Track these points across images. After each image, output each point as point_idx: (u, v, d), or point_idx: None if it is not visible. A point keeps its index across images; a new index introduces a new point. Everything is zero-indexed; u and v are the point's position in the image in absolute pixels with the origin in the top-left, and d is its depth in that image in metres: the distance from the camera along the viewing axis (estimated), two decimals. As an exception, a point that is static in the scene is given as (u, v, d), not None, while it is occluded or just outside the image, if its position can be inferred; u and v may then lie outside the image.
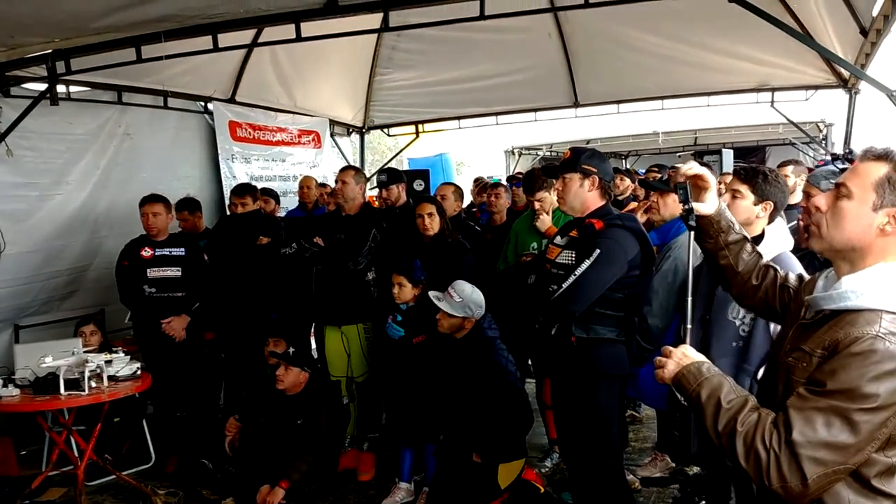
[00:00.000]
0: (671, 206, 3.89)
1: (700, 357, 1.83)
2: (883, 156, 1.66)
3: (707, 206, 2.16)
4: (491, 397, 3.94)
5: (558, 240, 3.47)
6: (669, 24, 6.83)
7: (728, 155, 7.45)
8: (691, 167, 2.17)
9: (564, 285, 3.16)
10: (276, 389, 4.56)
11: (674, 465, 4.66)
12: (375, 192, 7.82)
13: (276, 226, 5.88)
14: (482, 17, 4.09)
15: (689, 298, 2.17)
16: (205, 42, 4.58)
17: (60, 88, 5.46)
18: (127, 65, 4.84)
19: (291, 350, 4.68)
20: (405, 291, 4.54)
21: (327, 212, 6.55)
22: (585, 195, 3.32)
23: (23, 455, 5.21)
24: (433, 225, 4.78)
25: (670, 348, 1.89)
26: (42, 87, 5.21)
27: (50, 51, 4.65)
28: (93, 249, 6.08)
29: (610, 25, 7.17)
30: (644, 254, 3.29)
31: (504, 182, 6.82)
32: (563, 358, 3.34)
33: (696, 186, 2.16)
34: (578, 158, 3.33)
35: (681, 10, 6.23)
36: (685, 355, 1.84)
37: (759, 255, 2.21)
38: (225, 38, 4.61)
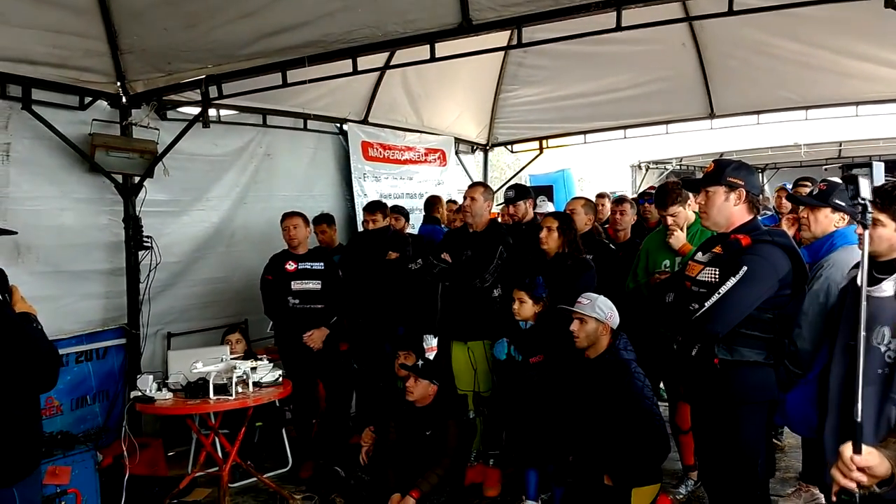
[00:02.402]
0: (822, 221, 3.65)
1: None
2: None
3: None
4: (626, 420, 3.83)
5: (700, 256, 3.33)
6: (810, 31, 6.45)
7: (879, 168, 6.89)
8: None
9: (707, 304, 3.03)
10: (406, 401, 4.64)
11: (821, 496, 4.33)
12: (498, 208, 7.89)
13: (405, 242, 6.02)
14: (618, 28, 4.01)
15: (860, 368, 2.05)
16: (344, 66, 4.76)
17: (211, 112, 5.83)
18: (273, 89, 5.10)
19: (420, 362, 4.75)
20: (526, 308, 4.50)
21: (453, 228, 6.65)
22: (731, 209, 3.18)
23: (170, 456, 5.54)
24: (549, 240, 4.70)
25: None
26: (195, 110, 5.61)
27: (203, 76, 4.99)
28: (232, 262, 6.44)
29: (748, 33, 6.86)
30: (796, 272, 3.10)
31: (629, 197, 6.66)
32: (705, 381, 3.20)
33: None
34: (723, 170, 3.20)
35: (823, 16, 5.88)
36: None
37: None
38: (362, 62, 4.76)
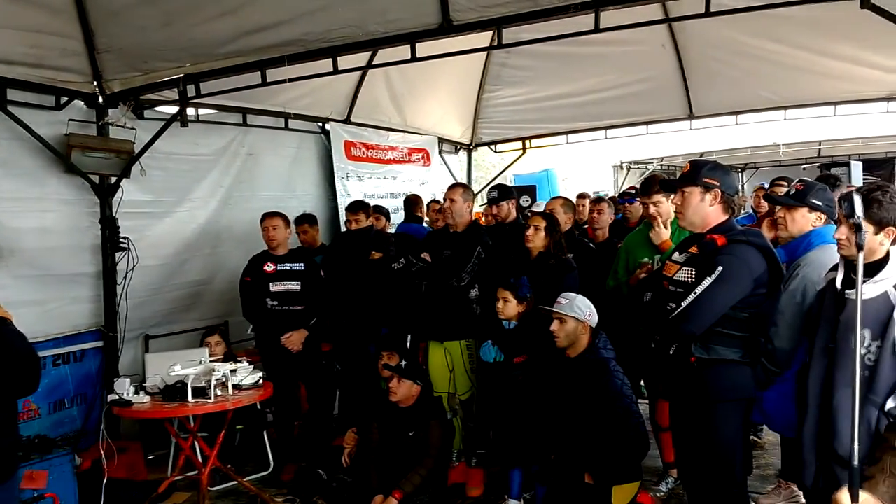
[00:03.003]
0: (799, 221, 3.67)
1: None
2: None
3: None
4: (605, 419, 3.85)
5: (676, 256, 3.35)
6: (790, 31, 6.51)
7: (857, 167, 7.02)
8: None
9: (683, 304, 3.06)
10: (389, 402, 4.63)
11: (799, 493, 4.37)
12: (482, 208, 7.90)
13: (388, 242, 6.01)
14: (597, 30, 4.03)
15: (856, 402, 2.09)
16: (324, 65, 4.74)
17: (189, 111, 5.79)
18: (252, 88, 5.07)
19: (404, 363, 4.75)
20: (509, 307, 4.51)
21: (434, 228, 6.66)
22: (706, 210, 3.20)
23: (149, 459, 5.48)
24: (535, 239, 4.71)
25: None
26: (173, 109, 5.56)
27: (181, 75, 4.94)
28: (215, 264, 6.39)
29: (727, 34, 6.91)
30: (772, 271, 3.13)
31: (607, 197, 6.70)
32: (682, 379, 3.22)
33: None
34: (699, 171, 3.22)
35: (801, 17, 5.93)
36: None
37: None
38: (343, 61, 4.75)
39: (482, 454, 5.01)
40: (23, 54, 4.62)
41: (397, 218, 7.86)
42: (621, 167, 13.78)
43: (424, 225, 7.44)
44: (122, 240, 5.36)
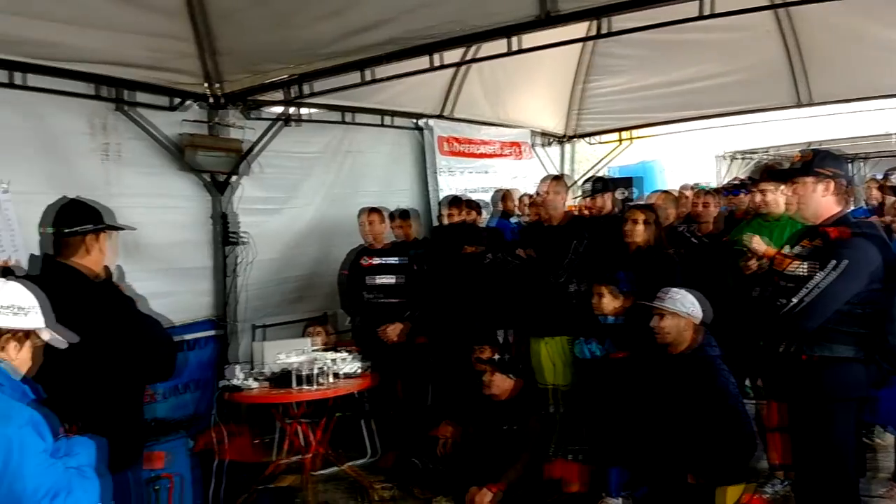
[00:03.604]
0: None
1: None
2: None
3: None
4: (711, 419, 3.74)
5: (788, 249, 3.22)
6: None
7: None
8: None
9: (795, 299, 2.95)
10: (484, 395, 4.66)
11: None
12: (576, 201, 7.80)
13: (481, 236, 6.03)
14: (701, 17, 3.91)
15: None
16: (422, 62, 4.81)
17: (294, 111, 6.00)
18: (353, 87, 5.21)
19: (498, 357, 4.76)
20: (606, 303, 4.44)
21: (529, 222, 6.62)
22: (819, 201, 3.07)
23: (257, 443, 5.68)
24: (635, 233, 4.60)
25: None
26: (279, 109, 5.78)
27: (287, 76, 5.13)
28: (321, 258, 6.59)
29: (841, 19, 6.55)
30: (887, 266, 2.98)
31: (713, 188, 6.46)
32: (795, 378, 3.10)
33: None
34: (812, 161, 3.09)
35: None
36: None
37: None
38: (440, 57, 4.79)
39: (582, 449, 4.95)
40: (142, 57, 4.89)
41: (490, 213, 7.88)
42: (725, 157, 13.27)
43: (513, 220, 7.41)
44: (242, 234, 5.63)
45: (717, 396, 3.77)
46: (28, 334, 2.06)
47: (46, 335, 2.11)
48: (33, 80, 4.51)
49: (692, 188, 7.36)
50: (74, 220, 2.77)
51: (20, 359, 2.03)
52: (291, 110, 5.99)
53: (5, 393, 1.94)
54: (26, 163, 4.49)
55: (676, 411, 3.87)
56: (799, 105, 7.98)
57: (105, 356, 2.62)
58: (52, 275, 2.69)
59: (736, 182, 6.28)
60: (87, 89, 4.87)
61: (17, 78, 4.42)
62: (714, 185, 10.75)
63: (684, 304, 3.92)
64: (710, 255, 4.83)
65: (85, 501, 1.97)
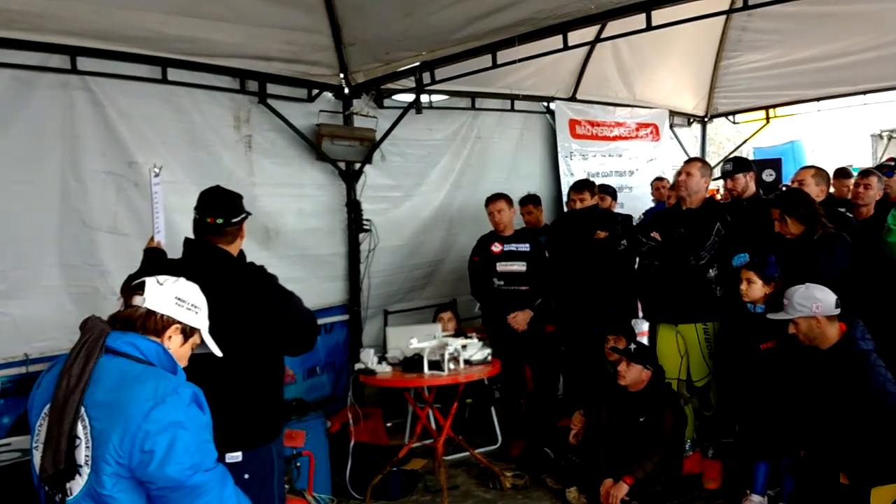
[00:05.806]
0: None
1: None
2: None
3: None
4: (866, 417, 3.44)
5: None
6: None
7: None
8: None
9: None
10: (617, 385, 4.52)
11: None
12: (713, 184, 7.38)
13: (614, 221, 5.84)
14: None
15: None
16: (554, 42, 4.67)
17: (423, 98, 6.03)
18: (482, 71, 5.15)
19: (633, 346, 4.60)
20: (754, 289, 4.16)
21: (666, 206, 6.35)
22: None
23: (388, 427, 5.86)
24: (786, 230, 4.27)
25: None
26: (409, 97, 5.82)
27: (417, 63, 5.16)
28: (448, 244, 6.65)
29: None
30: None
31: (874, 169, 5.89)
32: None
33: None
34: None
35: None
36: None
37: None
38: (572, 36, 4.64)
39: (725, 443, 4.70)
40: (279, 50, 5.06)
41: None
42: (881, 136, 12.19)
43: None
44: (364, 222, 5.75)
45: (872, 394, 3.46)
46: (193, 332, 2.14)
47: (207, 338, 2.19)
48: (182, 75, 4.77)
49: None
50: (237, 210, 2.92)
51: (179, 353, 2.09)
52: (423, 97, 6.03)
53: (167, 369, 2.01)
54: (175, 153, 4.77)
55: (827, 407, 3.60)
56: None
57: (253, 332, 2.74)
58: (203, 258, 2.84)
59: (891, 163, 5.66)
60: (232, 83, 5.11)
61: (169, 74, 4.69)
62: (867, 165, 9.90)
63: (803, 304, 3.64)
64: (869, 239, 4.41)
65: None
